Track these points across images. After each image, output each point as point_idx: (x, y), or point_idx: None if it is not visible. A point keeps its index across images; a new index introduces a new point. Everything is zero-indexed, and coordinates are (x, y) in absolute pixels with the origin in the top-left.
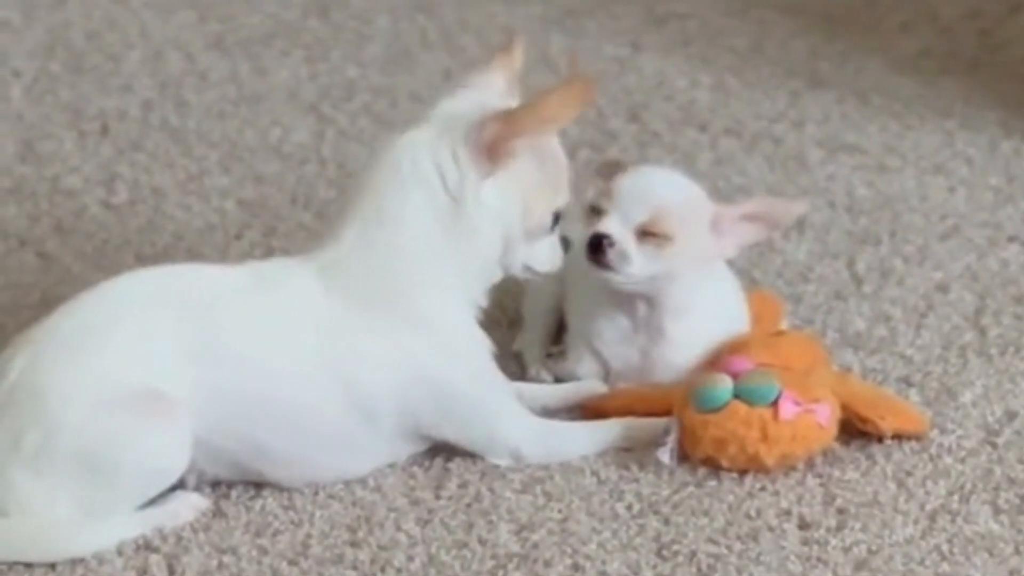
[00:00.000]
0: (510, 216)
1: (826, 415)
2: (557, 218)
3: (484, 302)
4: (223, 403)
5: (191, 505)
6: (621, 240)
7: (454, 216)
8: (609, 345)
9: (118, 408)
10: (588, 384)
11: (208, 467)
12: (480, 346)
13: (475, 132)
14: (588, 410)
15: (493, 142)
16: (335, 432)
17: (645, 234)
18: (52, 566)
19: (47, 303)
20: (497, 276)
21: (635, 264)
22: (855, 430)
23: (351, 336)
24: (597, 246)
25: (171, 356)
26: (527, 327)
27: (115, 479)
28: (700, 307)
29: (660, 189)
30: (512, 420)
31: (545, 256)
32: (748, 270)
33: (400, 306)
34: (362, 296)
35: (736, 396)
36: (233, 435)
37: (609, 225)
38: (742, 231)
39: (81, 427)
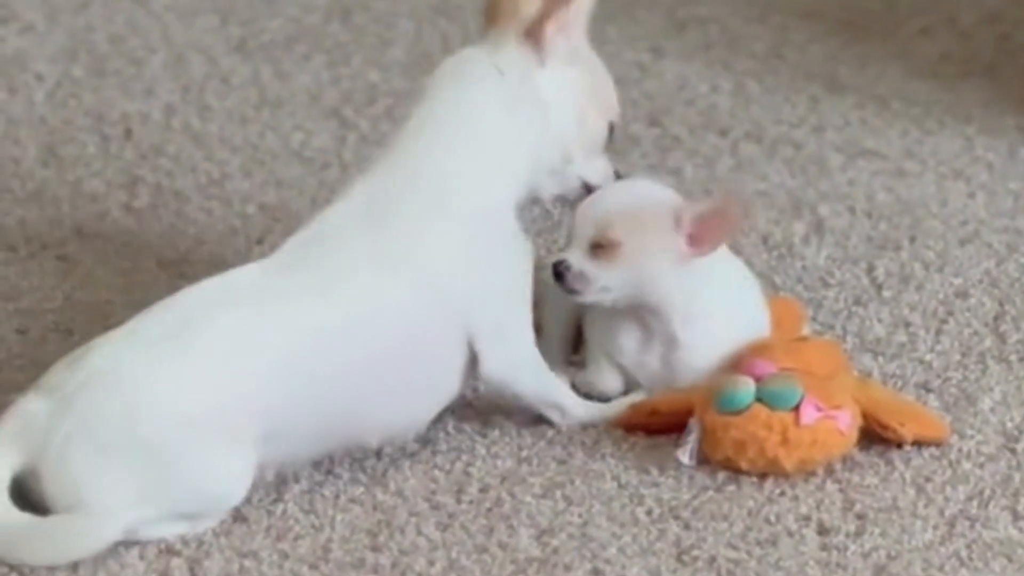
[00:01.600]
0: (566, 116)
1: (847, 421)
2: (611, 132)
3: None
4: (318, 374)
5: None
6: (576, 263)
7: (512, 110)
8: (628, 356)
9: (193, 423)
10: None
11: (288, 457)
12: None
13: (522, 25)
14: (615, 420)
15: (532, 27)
16: (426, 350)
17: (596, 248)
18: (74, 569)
19: (68, 306)
20: (548, 189)
21: (596, 281)
22: (874, 435)
23: (419, 235)
24: (559, 275)
25: (252, 357)
26: (546, 336)
27: (172, 490)
28: (711, 312)
29: (605, 201)
30: (525, 333)
31: (600, 172)
32: (768, 275)
33: (457, 200)
34: (423, 195)
35: (758, 399)
36: (327, 403)
37: (567, 251)
38: (710, 229)
39: (159, 429)
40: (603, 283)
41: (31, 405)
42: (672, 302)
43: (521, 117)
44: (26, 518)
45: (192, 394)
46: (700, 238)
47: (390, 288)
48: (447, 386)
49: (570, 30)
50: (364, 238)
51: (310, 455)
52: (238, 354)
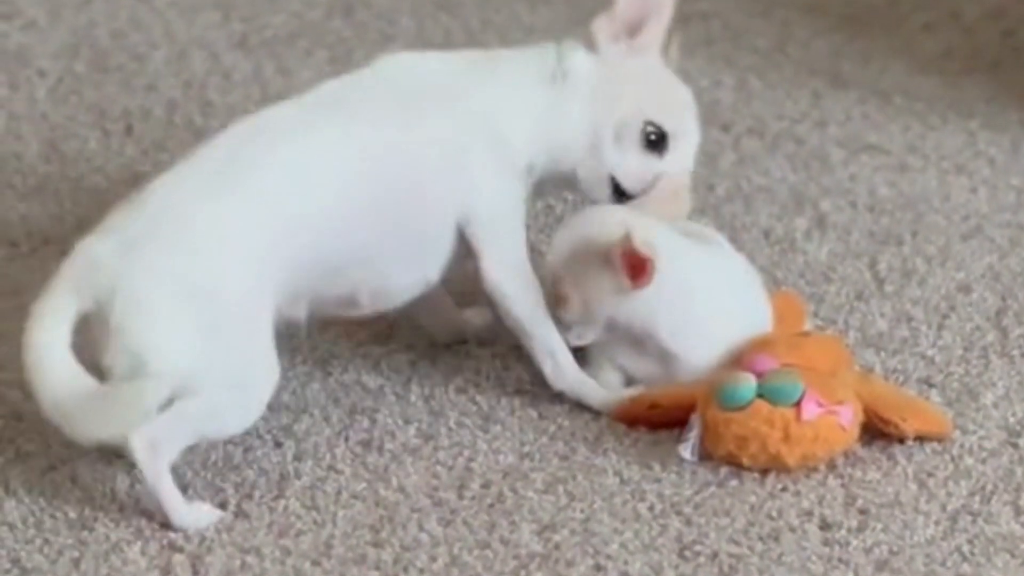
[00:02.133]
0: (601, 99)
1: (848, 417)
2: (654, 138)
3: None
4: (339, 212)
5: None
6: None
7: (554, 73)
8: (628, 359)
9: (249, 264)
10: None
11: (286, 300)
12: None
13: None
14: (615, 411)
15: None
16: (425, 212)
17: (557, 299)
18: (76, 565)
19: None
20: (577, 171)
21: (570, 331)
22: (876, 431)
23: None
24: None
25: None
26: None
27: (225, 345)
28: (702, 318)
29: (552, 251)
30: (522, 253)
31: (634, 173)
32: (769, 270)
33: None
34: (453, 89)
35: (760, 395)
36: (339, 243)
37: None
38: (640, 261)
39: (219, 272)
40: (576, 332)
41: (95, 248)
42: (655, 322)
43: (557, 82)
44: (91, 381)
45: (250, 233)
46: (638, 270)
47: (411, 139)
48: (433, 262)
49: (637, 28)
50: (394, 94)
51: (306, 299)
52: (289, 191)
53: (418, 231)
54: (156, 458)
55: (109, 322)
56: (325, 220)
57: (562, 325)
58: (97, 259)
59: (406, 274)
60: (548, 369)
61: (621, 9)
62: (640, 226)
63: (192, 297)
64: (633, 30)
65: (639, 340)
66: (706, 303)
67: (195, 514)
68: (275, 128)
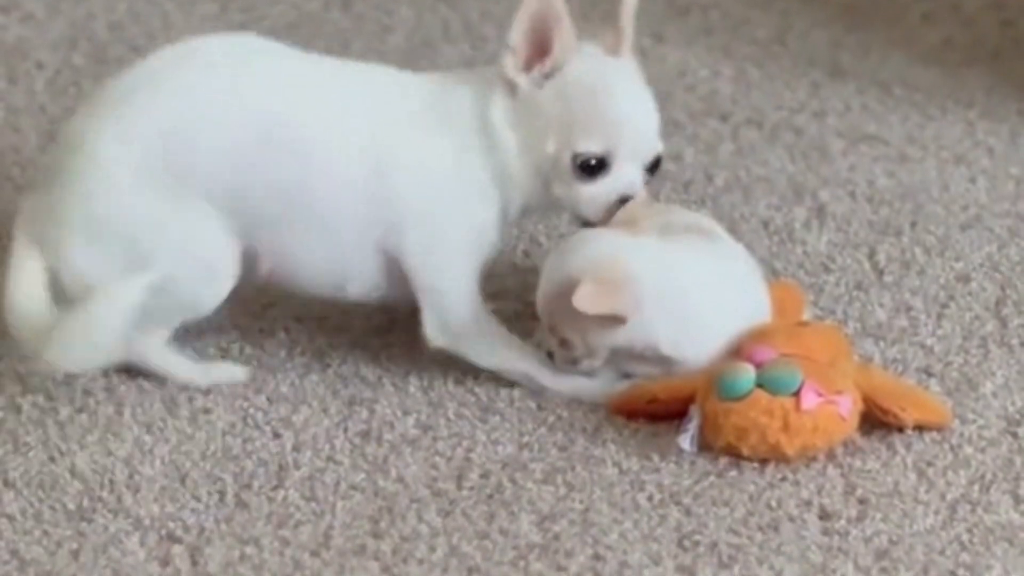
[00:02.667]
0: (527, 140)
1: (847, 407)
2: (590, 165)
3: (512, 211)
4: (270, 162)
5: (230, 373)
6: (558, 356)
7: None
8: (629, 366)
9: (156, 184)
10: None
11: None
12: (482, 236)
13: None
14: (614, 405)
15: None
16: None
17: (560, 342)
18: (75, 556)
19: None
20: (534, 197)
21: (580, 364)
22: (876, 420)
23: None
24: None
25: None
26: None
27: (165, 253)
28: (700, 323)
29: (543, 294)
30: (459, 289)
31: (585, 202)
32: (769, 260)
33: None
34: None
35: (759, 385)
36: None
37: (544, 334)
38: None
39: (122, 193)
40: (584, 364)
41: (30, 201)
42: (656, 339)
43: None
44: (57, 315)
45: (162, 155)
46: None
47: (334, 125)
48: (351, 273)
49: (546, 46)
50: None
51: (271, 248)
52: (211, 115)
53: (327, 226)
54: (149, 355)
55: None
56: (232, 156)
57: (568, 361)
58: (35, 210)
59: (311, 265)
60: (542, 389)
61: (517, 39)
62: (612, 258)
63: (116, 219)
64: (542, 50)
65: (641, 354)
66: (703, 304)
67: (215, 373)
68: (205, 56)
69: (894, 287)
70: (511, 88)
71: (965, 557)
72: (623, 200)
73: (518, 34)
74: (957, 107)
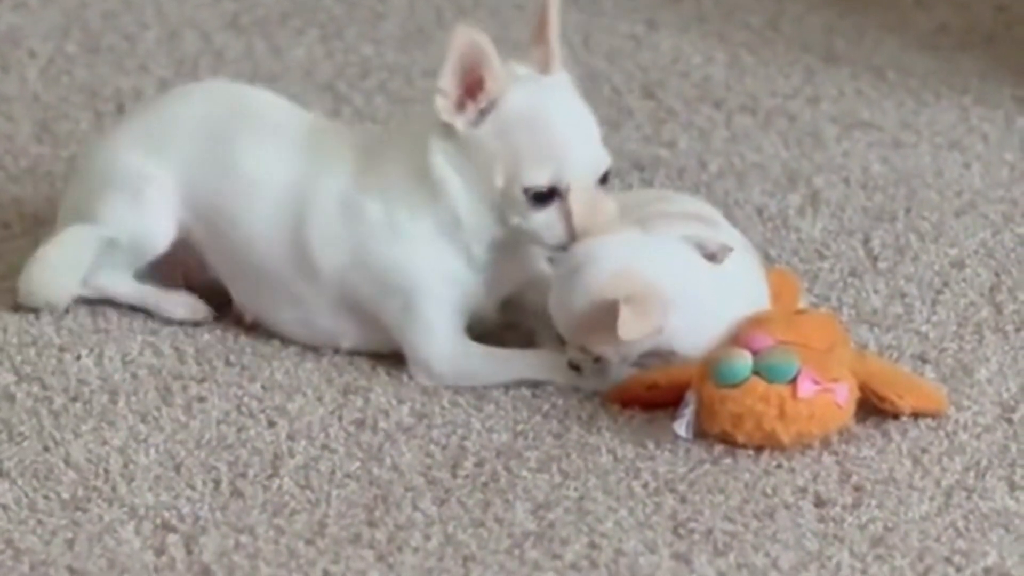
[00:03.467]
0: (474, 182)
1: (844, 395)
2: (541, 195)
3: (478, 249)
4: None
5: (188, 305)
6: (586, 368)
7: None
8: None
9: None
10: None
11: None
12: (438, 274)
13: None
14: (611, 392)
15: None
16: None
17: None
18: (70, 546)
19: None
20: (495, 231)
21: (610, 370)
22: (871, 407)
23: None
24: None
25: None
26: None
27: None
28: (707, 319)
29: (562, 320)
30: (433, 335)
31: (546, 231)
32: (763, 247)
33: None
34: (362, 174)
35: (755, 372)
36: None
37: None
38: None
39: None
40: (615, 370)
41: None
42: (680, 341)
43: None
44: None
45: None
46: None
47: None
48: (313, 311)
49: (478, 83)
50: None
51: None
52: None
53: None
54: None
55: None
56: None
57: (601, 372)
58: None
59: (284, 323)
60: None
61: (447, 81)
62: (632, 271)
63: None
64: (474, 88)
65: (654, 350)
66: (709, 295)
67: (181, 307)
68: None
69: (888, 273)
70: (448, 131)
71: (960, 543)
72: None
73: (447, 76)
74: (951, 93)
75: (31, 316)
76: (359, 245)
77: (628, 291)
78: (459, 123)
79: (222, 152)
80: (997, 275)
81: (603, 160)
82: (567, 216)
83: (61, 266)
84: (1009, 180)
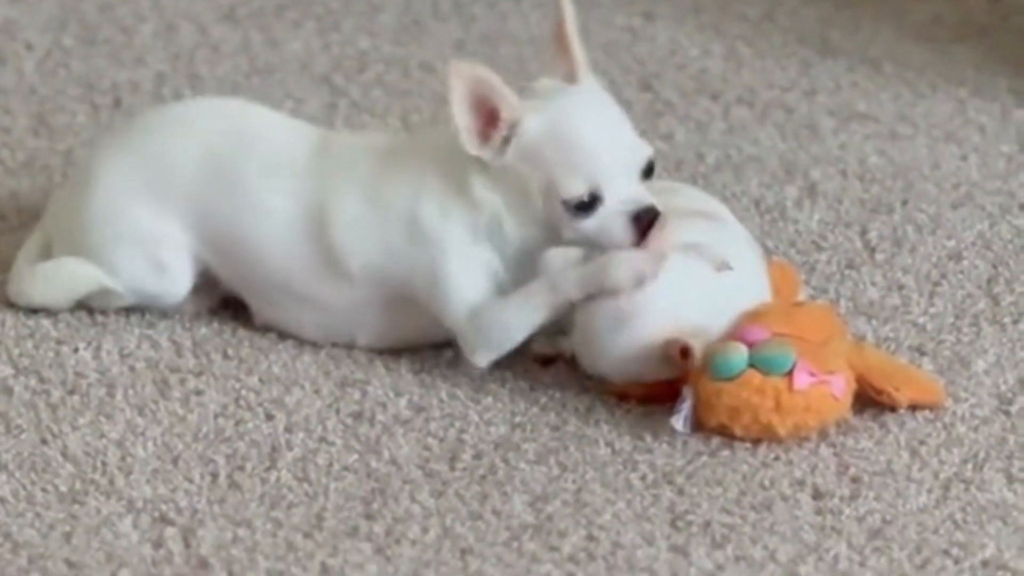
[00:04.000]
0: (517, 209)
1: (840, 387)
2: (583, 204)
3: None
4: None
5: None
6: None
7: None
8: None
9: (131, 236)
10: None
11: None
12: (473, 261)
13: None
14: (609, 386)
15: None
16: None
17: None
18: (68, 539)
19: None
20: (542, 241)
21: None
22: (868, 399)
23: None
24: None
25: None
26: None
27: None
28: (712, 318)
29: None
30: (463, 292)
31: (601, 236)
32: (760, 239)
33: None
34: (385, 179)
35: (751, 365)
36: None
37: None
38: None
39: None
40: None
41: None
42: None
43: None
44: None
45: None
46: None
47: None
48: (335, 324)
49: (493, 115)
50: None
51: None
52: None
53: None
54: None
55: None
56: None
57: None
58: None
59: (300, 324)
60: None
61: (461, 120)
62: (687, 325)
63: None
64: (492, 118)
65: None
66: (725, 298)
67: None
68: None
69: (886, 265)
70: (481, 162)
71: (958, 536)
72: (647, 216)
73: (459, 116)
74: (948, 84)
75: (28, 309)
76: (389, 240)
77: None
78: (486, 155)
79: (230, 186)
80: (994, 267)
81: (640, 153)
82: (618, 213)
83: (58, 288)
84: (1006, 172)
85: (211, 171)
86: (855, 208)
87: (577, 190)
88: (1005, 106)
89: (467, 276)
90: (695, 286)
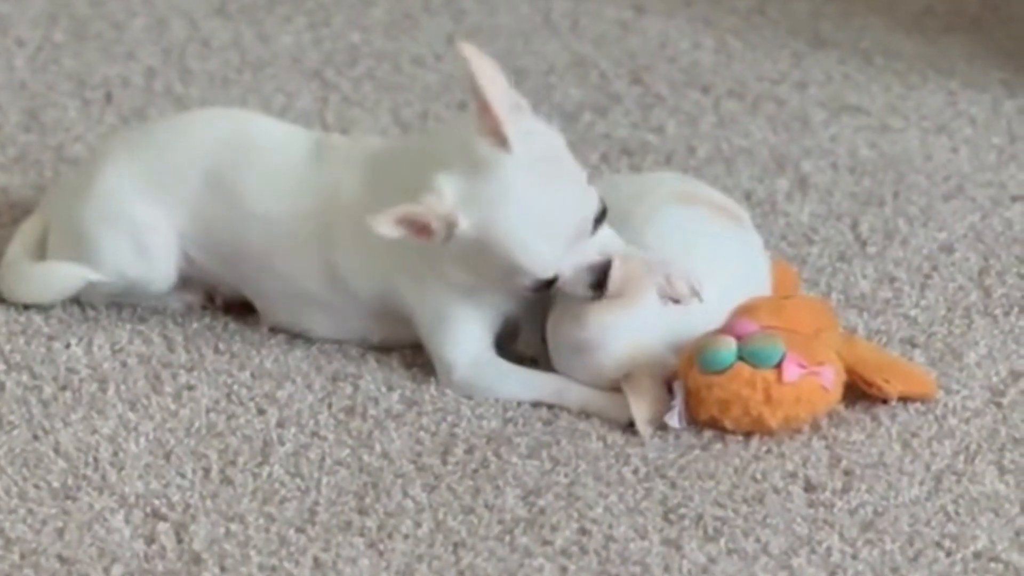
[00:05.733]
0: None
1: (830, 378)
2: (543, 283)
3: (506, 307)
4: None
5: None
6: None
7: None
8: None
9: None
10: None
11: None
12: (465, 304)
13: None
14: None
15: None
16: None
17: None
18: (60, 535)
19: None
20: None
21: None
22: (860, 391)
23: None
24: None
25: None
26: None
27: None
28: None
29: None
30: (459, 343)
31: (572, 295)
32: None
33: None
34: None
35: (740, 358)
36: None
37: None
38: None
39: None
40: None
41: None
42: None
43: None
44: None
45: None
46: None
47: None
48: (336, 325)
49: (435, 236)
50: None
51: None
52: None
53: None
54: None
55: None
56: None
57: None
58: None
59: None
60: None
61: (398, 227)
62: (644, 358)
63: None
64: (424, 232)
65: None
66: (691, 330)
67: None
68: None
69: (877, 258)
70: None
71: (950, 527)
72: (603, 268)
73: (399, 224)
74: (938, 76)
75: (20, 305)
76: (390, 271)
77: (635, 379)
78: (436, 242)
79: (229, 194)
80: (986, 259)
81: (587, 211)
82: (582, 273)
83: (44, 288)
84: (997, 163)
85: (212, 180)
86: (846, 200)
87: (526, 282)
88: (996, 98)
89: (468, 326)
90: (660, 321)
